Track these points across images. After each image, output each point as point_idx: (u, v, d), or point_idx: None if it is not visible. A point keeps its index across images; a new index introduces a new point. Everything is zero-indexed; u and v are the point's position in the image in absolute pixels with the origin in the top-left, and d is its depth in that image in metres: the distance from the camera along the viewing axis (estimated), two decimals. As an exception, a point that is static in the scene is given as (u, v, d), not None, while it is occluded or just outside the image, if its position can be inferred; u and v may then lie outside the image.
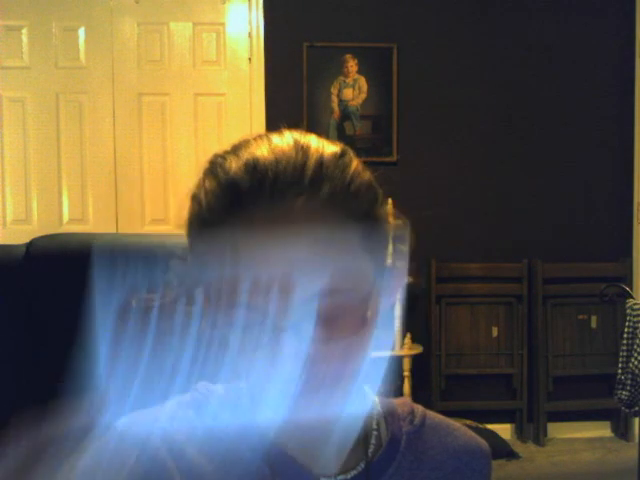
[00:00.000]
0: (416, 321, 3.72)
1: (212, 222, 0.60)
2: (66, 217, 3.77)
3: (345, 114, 3.75)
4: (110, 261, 0.92)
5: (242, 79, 3.75)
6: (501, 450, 3.50)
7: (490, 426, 3.57)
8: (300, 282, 0.57)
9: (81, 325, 0.90)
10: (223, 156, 0.63)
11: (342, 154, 0.63)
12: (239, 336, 0.60)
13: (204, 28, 3.76)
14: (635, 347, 2.55)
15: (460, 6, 3.80)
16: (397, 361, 3.48)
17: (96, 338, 0.90)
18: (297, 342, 0.58)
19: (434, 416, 0.78)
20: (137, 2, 3.70)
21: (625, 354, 2.60)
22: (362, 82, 3.76)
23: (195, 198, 0.63)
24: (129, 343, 0.80)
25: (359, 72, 3.75)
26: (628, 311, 2.64)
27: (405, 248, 0.70)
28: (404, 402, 0.78)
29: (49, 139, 3.73)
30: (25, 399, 0.93)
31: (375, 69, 3.77)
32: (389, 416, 0.75)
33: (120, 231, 3.71)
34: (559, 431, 3.83)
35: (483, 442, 0.79)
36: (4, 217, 3.75)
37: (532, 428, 3.82)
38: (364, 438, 0.72)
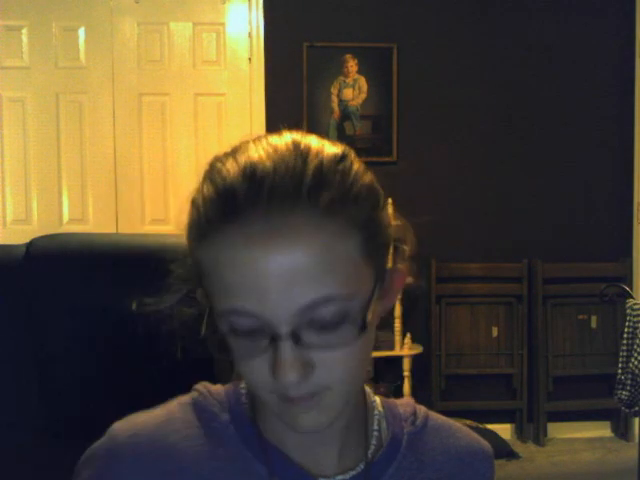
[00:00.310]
0: (416, 321, 3.72)
1: (210, 230, 0.59)
2: (66, 217, 3.77)
3: (345, 114, 3.75)
4: (110, 263, 0.93)
5: (242, 79, 3.75)
6: (501, 450, 3.50)
7: (490, 426, 3.57)
8: (299, 291, 0.57)
9: (81, 326, 0.91)
10: (222, 160, 0.62)
11: (342, 157, 0.62)
12: (238, 342, 0.60)
13: (204, 28, 3.75)
14: (635, 347, 2.55)
15: (460, 6, 3.80)
16: (397, 361, 3.49)
17: (95, 340, 0.90)
18: (296, 349, 0.58)
19: (437, 417, 0.78)
20: (137, 2, 3.70)
21: (625, 354, 2.60)
22: (362, 82, 3.76)
23: (194, 203, 0.62)
24: (128, 346, 0.80)
25: (359, 72, 3.75)
26: (628, 311, 2.64)
27: (406, 249, 0.70)
28: (407, 403, 0.78)
29: (49, 139, 3.73)
30: (25, 399, 0.93)
31: (375, 69, 3.77)
32: (390, 417, 0.74)
33: (120, 231, 3.71)
34: (559, 431, 3.83)
35: (486, 444, 0.78)
36: (4, 217, 3.75)
37: (532, 428, 3.82)
38: (364, 438, 0.72)
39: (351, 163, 0.62)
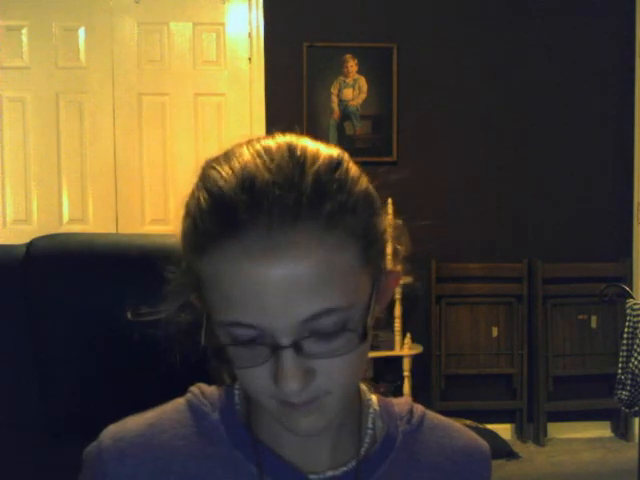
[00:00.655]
0: (416, 321, 3.72)
1: (209, 243, 0.58)
2: (66, 217, 3.77)
3: (345, 114, 3.75)
4: (110, 263, 0.92)
5: (242, 79, 3.75)
6: (501, 450, 3.50)
7: (490, 426, 3.57)
8: (300, 304, 0.57)
9: (81, 326, 0.90)
10: (215, 167, 0.61)
11: (338, 163, 0.62)
12: (238, 351, 0.60)
13: (204, 28, 3.75)
14: (635, 347, 2.55)
15: (460, 6, 3.80)
16: (397, 361, 3.48)
17: (95, 340, 0.90)
18: (298, 358, 0.58)
19: (434, 417, 0.78)
20: (137, 2, 3.70)
21: (625, 354, 2.60)
22: (362, 82, 3.76)
23: (189, 212, 0.61)
24: (128, 346, 0.80)
25: (359, 72, 3.75)
26: (628, 311, 2.64)
27: (400, 249, 0.70)
28: (405, 402, 0.78)
29: (49, 139, 3.73)
30: (25, 399, 0.93)
31: (375, 69, 3.77)
32: (386, 415, 0.75)
33: (120, 231, 3.71)
34: (559, 431, 3.83)
35: (484, 443, 0.78)
36: (4, 217, 3.75)
37: (532, 428, 3.82)
38: (357, 436, 0.72)
39: (347, 169, 0.62)
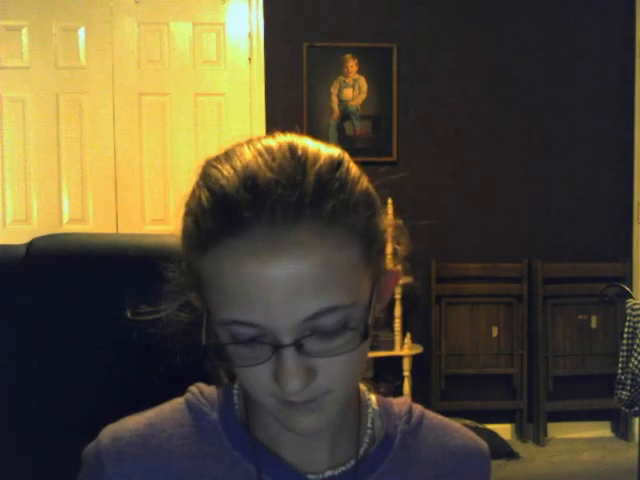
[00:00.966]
0: (416, 321, 3.72)
1: (211, 242, 0.58)
2: (66, 217, 3.77)
3: (345, 114, 3.75)
4: (110, 263, 0.92)
5: (242, 79, 3.75)
6: (501, 450, 3.50)
7: (490, 426, 3.57)
8: (302, 303, 0.57)
9: (81, 326, 0.90)
10: (216, 166, 0.61)
11: (339, 163, 0.62)
12: (238, 350, 0.61)
13: (204, 28, 3.75)
14: (635, 347, 2.55)
15: (460, 6, 3.80)
16: (397, 361, 3.48)
17: (95, 340, 0.90)
18: (299, 357, 0.58)
19: (433, 416, 0.78)
20: (137, 2, 3.70)
21: (625, 354, 2.60)
22: (362, 82, 3.76)
23: (190, 211, 0.61)
24: (128, 346, 0.80)
25: (359, 72, 3.75)
26: (628, 311, 2.64)
27: (402, 249, 0.70)
28: (404, 401, 0.78)
29: (49, 139, 3.73)
30: (25, 399, 0.93)
31: (375, 69, 3.77)
32: (385, 415, 0.75)
33: (120, 231, 3.71)
34: (559, 431, 3.83)
35: (483, 443, 0.78)
36: (4, 217, 3.75)
37: (532, 428, 3.82)
38: (356, 436, 0.72)
39: (347, 169, 0.62)
